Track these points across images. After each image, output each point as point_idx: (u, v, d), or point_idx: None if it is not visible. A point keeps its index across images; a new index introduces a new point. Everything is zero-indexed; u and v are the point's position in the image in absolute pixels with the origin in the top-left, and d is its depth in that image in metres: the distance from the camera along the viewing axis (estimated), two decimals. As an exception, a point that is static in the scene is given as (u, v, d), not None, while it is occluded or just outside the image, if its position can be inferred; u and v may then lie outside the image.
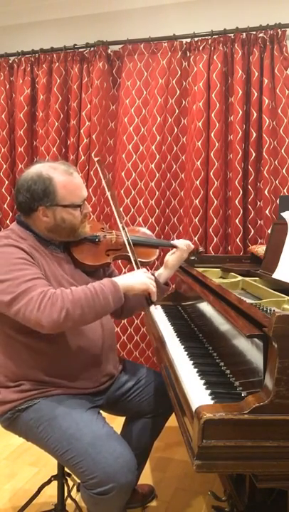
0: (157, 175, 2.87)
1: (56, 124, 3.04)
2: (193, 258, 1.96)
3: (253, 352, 1.11)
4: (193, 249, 1.81)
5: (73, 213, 1.47)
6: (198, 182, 2.76)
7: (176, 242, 1.77)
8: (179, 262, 1.78)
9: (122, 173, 2.95)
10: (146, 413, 1.67)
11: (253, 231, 2.76)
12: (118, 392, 1.62)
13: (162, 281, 1.75)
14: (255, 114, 2.69)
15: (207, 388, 1.17)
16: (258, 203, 2.77)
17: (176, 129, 2.90)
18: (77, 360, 1.46)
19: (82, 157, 2.98)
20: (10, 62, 3.18)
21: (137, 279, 1.42)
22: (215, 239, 2.76)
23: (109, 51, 2.99)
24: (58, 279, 1.45)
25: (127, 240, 1.59)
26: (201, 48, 2.78)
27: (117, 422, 1.59)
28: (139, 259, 1.61)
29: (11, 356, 1.44)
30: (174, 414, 1.32)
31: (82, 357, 1.47)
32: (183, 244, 1.75)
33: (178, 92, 2.87)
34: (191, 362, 1.38)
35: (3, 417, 1.46)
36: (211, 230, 2.77)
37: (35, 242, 1.47)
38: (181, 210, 2.95)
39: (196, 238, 2.77)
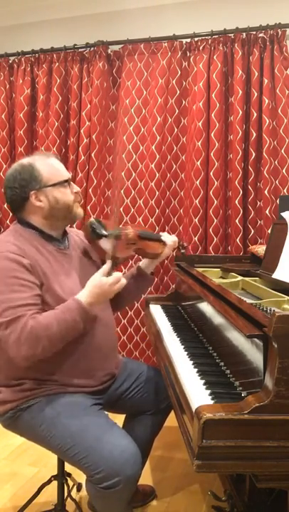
0: (157, 175, 2.87)
1: (56, 124, 3.04)
2: (182, 251, 1.94)
3: (253, 352, 1.11)
4: (177, 245, 1.81)
5: (64, 191, 1.50)
6: (198, 182, 2.76)
7: (164, 237, 1.77)
8: (162, 257, 1.78)
9: (122, 173, 2.95)
10: (146, 409, 1.68)
11: (253, 231, 2.76)
12: (118, 391, 1.62)
13: (147, 272, 1.79)
14: (255, 114, 2.69)
15: (207, 388, 1.17)
16: (258, 203, 2.77)
17: (176, 129, 2.90)
18: (80, 359, 1.46)
19: (82, 157, 2.98)
20: (10, 62, 3.18)
21: (100, 295, 1.40)
22: (215, 239, 2.76)
23: (109, 51, 2.99)
24: (59, 278, 1.46)
25: (141, 233, 1.64)
26: (201, 47, 2.78)
27: (117, 420, 1.58)
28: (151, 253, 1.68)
29: None
30: (174, 414, 1.32)
31: (85, 355, 1.47)
32: (170, 240, 1.75)
33: (178, 92, 2.87)
34: (191, 362, 1.38)
35: (3, 417, 1.46)
36: (211, 230, 2.77)
37: (38, 239, 1.48)
38: (181, 210, 2.95)
39: (196, 238, 2.77)
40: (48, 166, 1.50)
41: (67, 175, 1.54)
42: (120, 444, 1.31)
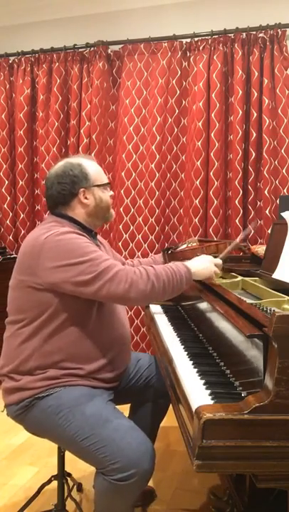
0: (157, 175, 2.87)
1: (56, 124, 3.04)
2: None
3: (253, 352, 1.11)
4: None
5: (106, 192, 1.59)
6: (198, 182, 2.76)
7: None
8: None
9: (122, 173, 2.95)
10: (149, 395, 1.70)
11: (253, 231, 2.76)
12: (122, 384, 1.64)
13: None
14: (255, 114, 2.69)
15: (207, 388, 1.17)
16: (258, 203, 2.77)
17: (176, 129, 2.90)
18: (103, 351, 1.48)
19: (82, 157, 2.99)
20: (10, 62, 3.18)
21: (207, 270, 1.57)
22: (215, 239, 2.76)
23: (109, 51, 2.99)
24: None
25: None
26: (201, 47, 2.78)
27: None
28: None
29: (51, 342, 1.43)
30: (174, 414, 1.32)
31: (107, 348, 1.50)
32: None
33: (178, 92, 2.87)
34: (191, 362, 1.38)
35: (19, 405, 1.43)
36: (211, 230, 2.77)
37: (81, 231, 1.50)
38: (181, 210, 2.95)
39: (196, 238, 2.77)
40: (94, 167, 1.57)
41: (107, 178, 1.62)
42: (138, 437, 1.33)
